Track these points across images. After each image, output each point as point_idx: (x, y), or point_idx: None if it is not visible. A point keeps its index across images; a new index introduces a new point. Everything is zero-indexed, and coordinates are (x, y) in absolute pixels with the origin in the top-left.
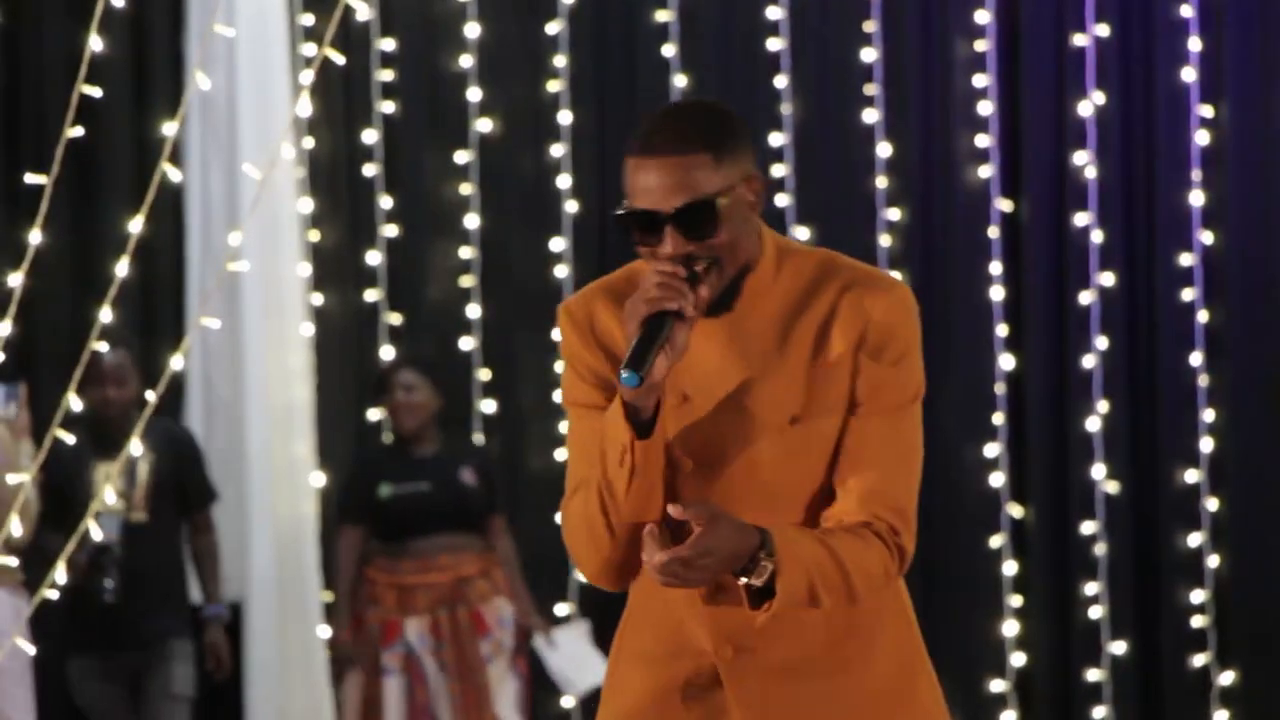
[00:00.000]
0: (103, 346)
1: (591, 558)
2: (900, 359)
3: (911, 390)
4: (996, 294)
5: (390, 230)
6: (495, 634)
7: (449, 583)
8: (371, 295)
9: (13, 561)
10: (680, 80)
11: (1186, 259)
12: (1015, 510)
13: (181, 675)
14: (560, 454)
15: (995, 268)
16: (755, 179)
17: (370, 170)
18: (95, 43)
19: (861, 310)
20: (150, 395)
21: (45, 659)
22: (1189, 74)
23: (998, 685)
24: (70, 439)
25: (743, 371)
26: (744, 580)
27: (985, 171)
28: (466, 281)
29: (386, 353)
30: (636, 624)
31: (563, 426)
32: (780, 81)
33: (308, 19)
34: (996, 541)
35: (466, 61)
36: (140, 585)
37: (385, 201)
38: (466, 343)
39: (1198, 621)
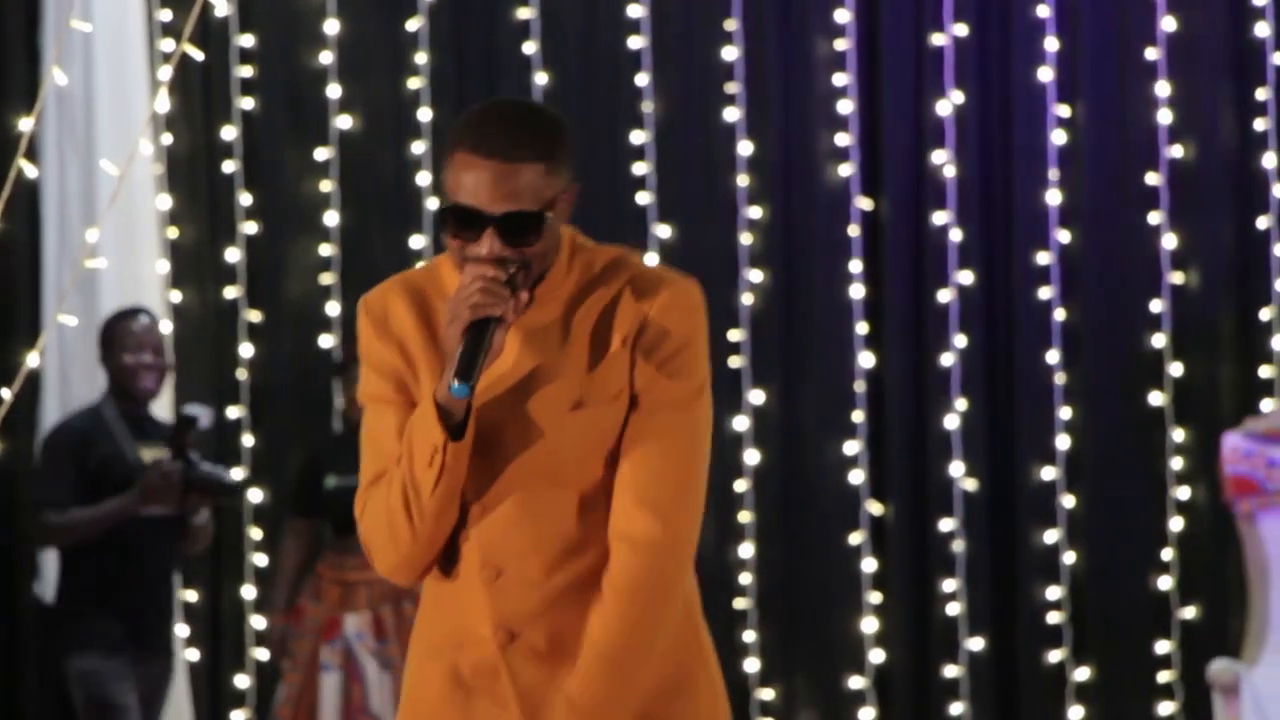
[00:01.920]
0: None
1: (389, 553)
2: (675, 355)
3: (692, 387)
4: (856, 292)
5: (250, 227)
6: None
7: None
8: (231, 292)
9: None
10: (541, 78)
11: (1044, 257)
12: (874, 507)
13: None
14: None
15: (855, 266)
16: (573, 189)
17: (229, 167)
18: None
19: (638, 305)
20: (5, 393)
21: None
22: (1046, 74)
23: (857, 682)
24: None
25: (526, 360)
26: None
27: (845, 170)
28: (327, 279)
29: (246, 350)
30: (427, 620)
31: None
32: (641, 79)
33: (166, 14)
34: (856, 539)
35: (326, 58)
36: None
37: (245, 198)
38: (326, 340)
39: (1054, 618)
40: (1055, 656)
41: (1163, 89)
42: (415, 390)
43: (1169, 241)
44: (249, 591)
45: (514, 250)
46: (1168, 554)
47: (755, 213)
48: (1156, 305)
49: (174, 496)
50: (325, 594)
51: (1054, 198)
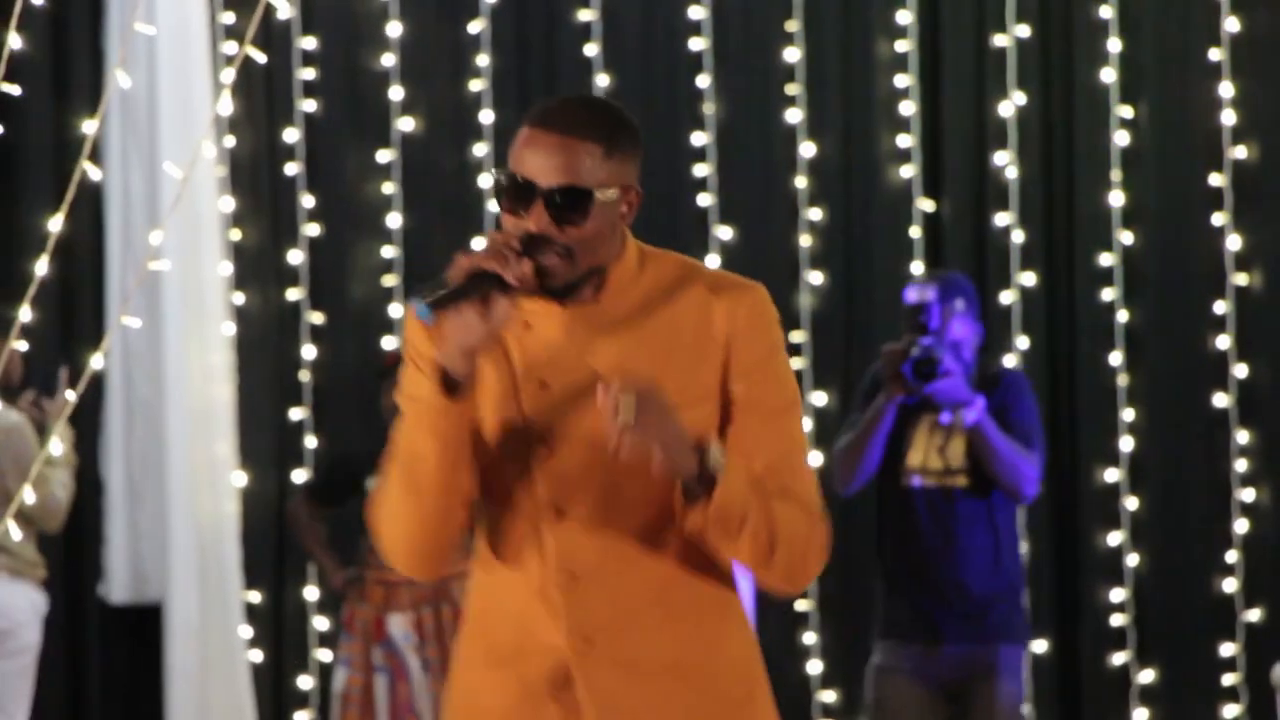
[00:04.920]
0: (22, 345)
1: (394, 535)
2: (767, 362)
3: (789, 393)
4: None
5: (312, 229)
6: None
7: (432, 581)
8: (293, 294)
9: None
10: (602, 79)
11: (1106, 259)
12: None
13: None
14: None
15: (917, 268)
16: (635, 193)
17: (292, 169)
18: (14, 40)
19: (721, 312)
20: (70, 395)
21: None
22: (1109, 74)
23: None
24: None
25: (602, 361)
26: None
27: (907, 171)
28: (389, 280)
29: (308, 352)
30: (479, 629)
31: None
32: (702, 81)
33: (229, 17)
34: None
35: (388, 60)
36: None
37: (307, 200)
38: (389, 342)
39: (1117, 620)
40: (1119, 659)
41: (1226, 89)
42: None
43: (1233, 243)
44: (312, 593)
45: (561, 229)
46: (1232, 556)
47: (816, 214)
48: (1220, 306)
49: None
50: (370, 595)
51: (1117, 199)
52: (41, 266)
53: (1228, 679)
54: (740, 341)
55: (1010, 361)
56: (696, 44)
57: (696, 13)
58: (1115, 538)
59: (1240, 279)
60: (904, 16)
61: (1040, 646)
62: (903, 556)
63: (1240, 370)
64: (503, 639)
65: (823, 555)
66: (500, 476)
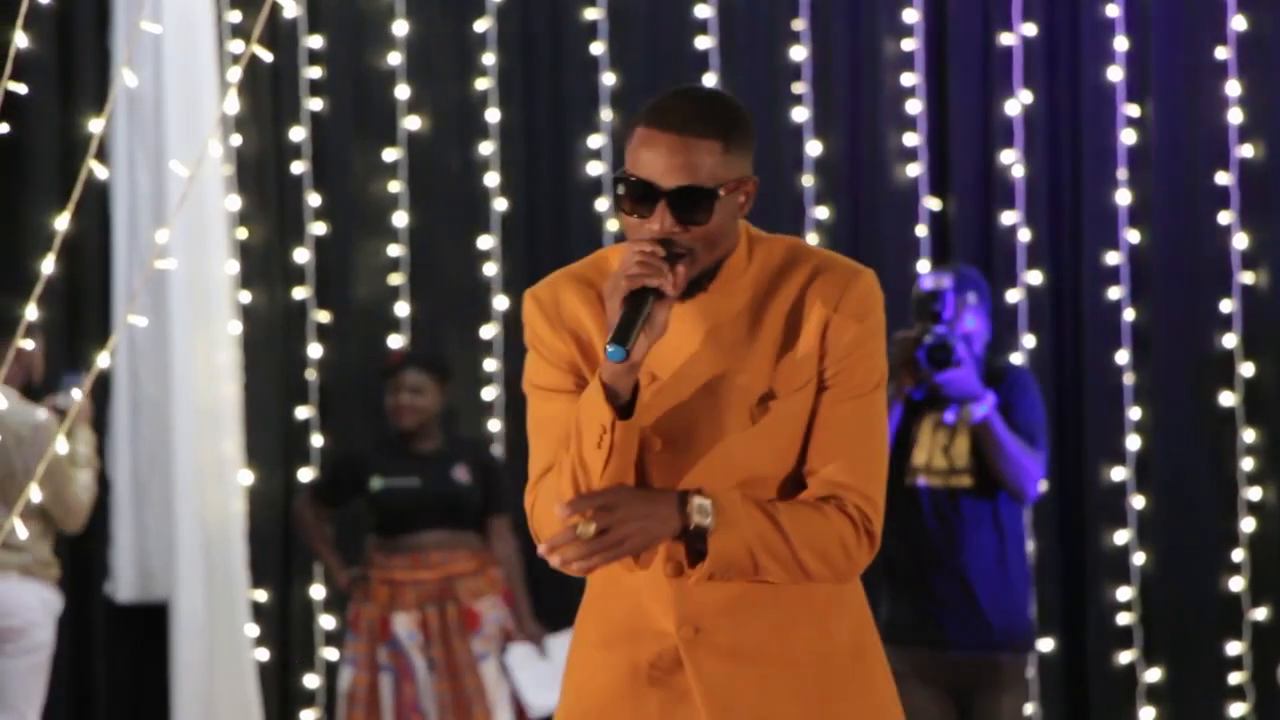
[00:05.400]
0: (28, 344)
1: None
2: (861, 346)
3: (876, 375)
4: None
5: (319, 228)
6: (488, 630)
7: (437, 580)
8: (300, 293)
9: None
10: (609, 78)
11: (1113, 257)
12: None
13: None
14: (497, 450)
15: (923, 266)
16: (752, 182)
17: (298, 168)
18: (21, 39)
19: (829, 295)
20: (76, 393)
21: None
22: (1115, 73)
23: None
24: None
25: (713, 353)
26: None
27: (914, 170)
28: (395, 279)
29: (314, 351)
30: (597, 609)
31: (494, 424)
32: (709, 79)
33: (235, 16)
34: None
35: (395, 59)
36: None
37: (313, 199)
38: (395, 340)
39: (1124, 619)
40: (1126, 657)
41: (1233, 88)
42: (591, 378)
43: (1239, 241)
44: (318, 591)
45: (685, 228)
46: (1238, 555)
47: (823, 213)
48: (1227, 305)
49: None
50: (375, 594)
51: (1123, 197)
52: (48, 265)
53: (1234, 677)
54: (835, 325)
55: (1017, 360)
56: (703, 42)
57: (703, 11)
58: (1122, 536)
59: (1247, 278)
60: (910, 15)
61: (1047, 645)
62: (906, 557)
63: (1247, 369)
64: (617, 621)
65: (865, 554)
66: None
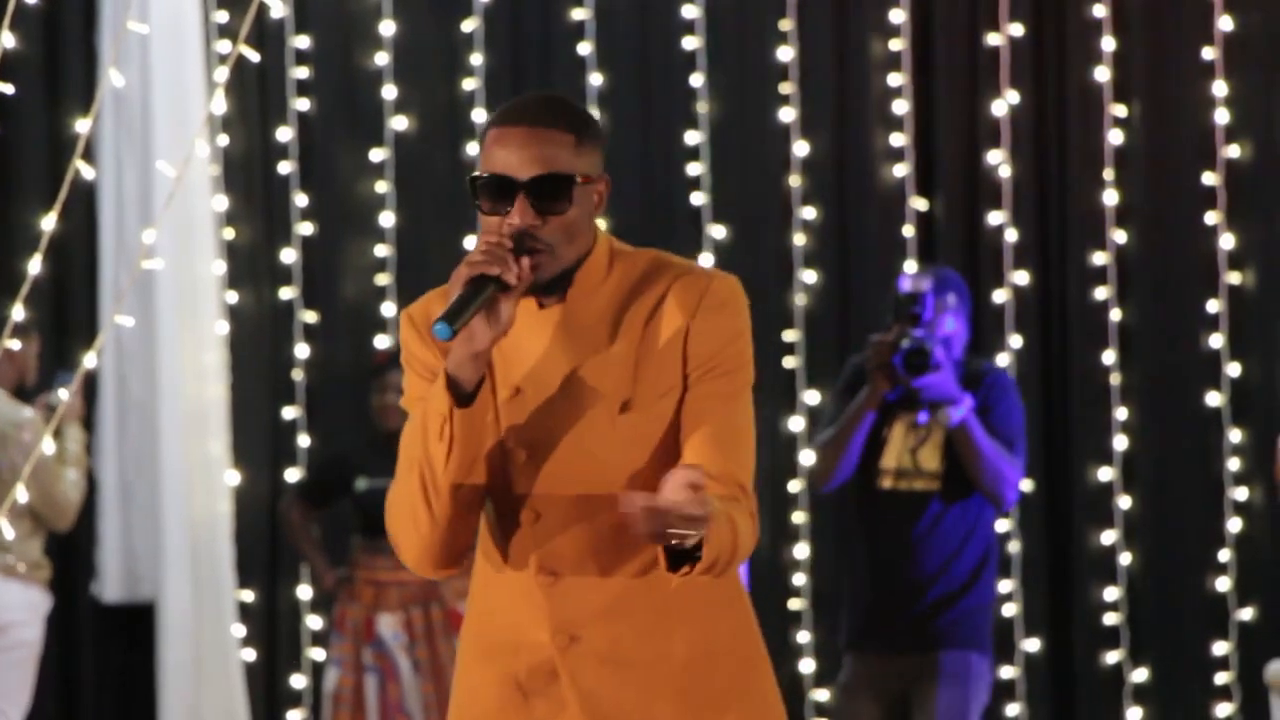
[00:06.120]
0: (14, 344)
1: (411, 539)
2: (723, 350)
3: (743, 376)
4: None
5: (305, 228)
6: None
7: (421, 581)
8: (286, 293)
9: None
10: (596, 78)
11: (1099, 258)
12: None
13: None
14: None
15: (910, 267)
16: (605, 182)
17: (285, 168)
18: (7, 39)
19: (687, 301)
20: (63, 393)
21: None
22: (1102, 73)
23: None
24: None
25: (573, 361)
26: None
27: (900, 170)
28: (382, 279)
29: (301, 351)
30: (479, 620)
31: None
32: (696, 80)
33: (222, 16)
34: None
35: (382, 59)
36: None
37: (300, 199)
38: (382, 341)
39: (1110, 619)
40: (1112, 657)
41: (1220, 88)
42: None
43: (1226, 241)
44: (305, 592)
45: (544, 219)
46: (1225, 555)
47: (809, 213)
48: (1213, 305)
49: None
50: (359, 595)
51: (1110, 198)
52: (34, 265)
53: (1220, 677)
54: (694, 329)
55: (1003, 361)
56: (690, 43)
57: (690, 12)
58: (1108, 536)
59: (1233, 278)
60: (897, 15)
61: (1033, 645)
62: (866, 561)
63: (1233, 369)
64: (496, 635)
65: (756, 529)
66: (485, 479)
